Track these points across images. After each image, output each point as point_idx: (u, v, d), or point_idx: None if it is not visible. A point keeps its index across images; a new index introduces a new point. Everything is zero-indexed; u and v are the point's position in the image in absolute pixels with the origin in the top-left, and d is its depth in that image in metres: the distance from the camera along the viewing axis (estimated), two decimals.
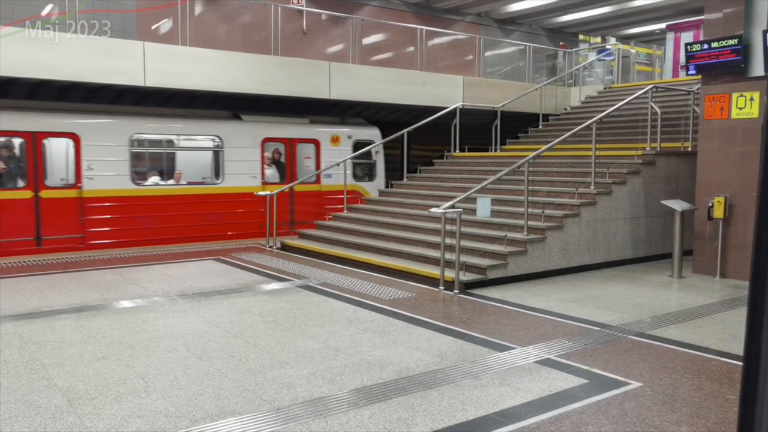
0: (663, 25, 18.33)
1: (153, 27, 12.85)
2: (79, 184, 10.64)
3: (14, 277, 8.20)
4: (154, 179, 11.69)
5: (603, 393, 4.26)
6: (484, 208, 8.10)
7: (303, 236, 11.12)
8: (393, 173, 14.06)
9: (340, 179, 12.48)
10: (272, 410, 3.94)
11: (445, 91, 13.72)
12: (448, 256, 7.65)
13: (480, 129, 13.77)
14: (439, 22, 17.62)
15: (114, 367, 4.71)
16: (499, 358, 5.00)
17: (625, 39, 20.78)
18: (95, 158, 10.71)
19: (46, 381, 4.41)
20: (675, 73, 16.47)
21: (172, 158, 12.45)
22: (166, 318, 6.16)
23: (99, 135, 10.82)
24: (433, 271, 7.87)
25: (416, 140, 12.83)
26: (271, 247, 10.91)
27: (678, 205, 8.64)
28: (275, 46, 12.19)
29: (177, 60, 10.68)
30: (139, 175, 11.52)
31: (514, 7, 18.53)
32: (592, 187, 9.02)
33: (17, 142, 10.51)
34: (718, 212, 8.37)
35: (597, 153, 9.23)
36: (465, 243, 8.09)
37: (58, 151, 11.11)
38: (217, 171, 12.15)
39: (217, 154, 12.15)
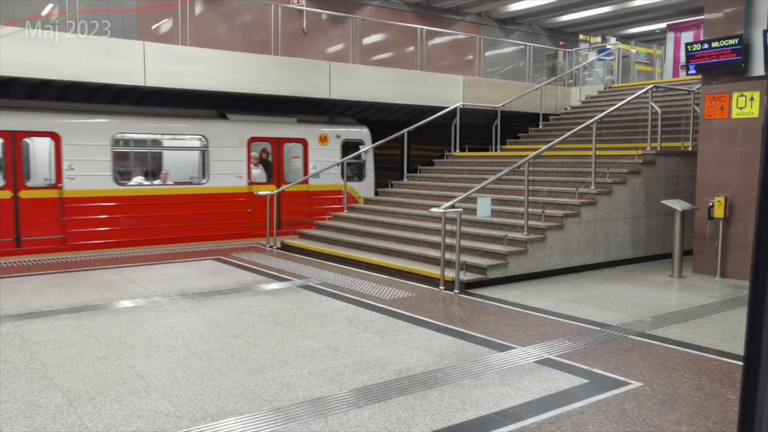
0: (663, 25, 18.33)
1: (153, 27, 12.85)
2: (59, 185, 10.47)
3: (14, 277, 8.20)
4: (137, 179, 11.55)
5: (603, 393, 4.26)
6: (484, 207, 8.10)
7: (303, 236, 11.12)
8: (393, 173, 14.05)
9: (328, 179, 12.48)
10: (272, 410, 3.94)
11: (445, 91, 13.72)
12: (449, 255, 7.65)
13: (480, 129, 13.77)
14: (440, 21, 17.62)
15: (114, 366, 4.72)
16: (500, 358, 5.00)
17: (626, 39, 20.78)
18: (76, 158, 10.54)
19: (47, 381, 4.41)
20: (675, 73, 16.47)
21: (156, 158, 12.28)
22: (166, 318, 6.16)
23: (80, 134, 10.65)
24: (434, 270, 7.87)
25: (416, 140, 12.81)
26: (271, 246, 10.91)
27: (678, 204, 8.64)
28: (275, 46, 12.18)
29: (177, 60, 10.67)
30: (122, 175, 11.37)
31: (515, 7, 18.53)
32: (592, 186, 9.02)
33: None
34: (719, 212, 8.36)
35: (597, 153, 9.23)
36: (465, 243, 8.09)
37: (38, 150, 10.98)
38: (203, 171, 11.99)
39: (202, 153, 11.97)
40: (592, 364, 4.85)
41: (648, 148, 9.66)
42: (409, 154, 12.54)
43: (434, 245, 8.54)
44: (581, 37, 19.77)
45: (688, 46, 8.70)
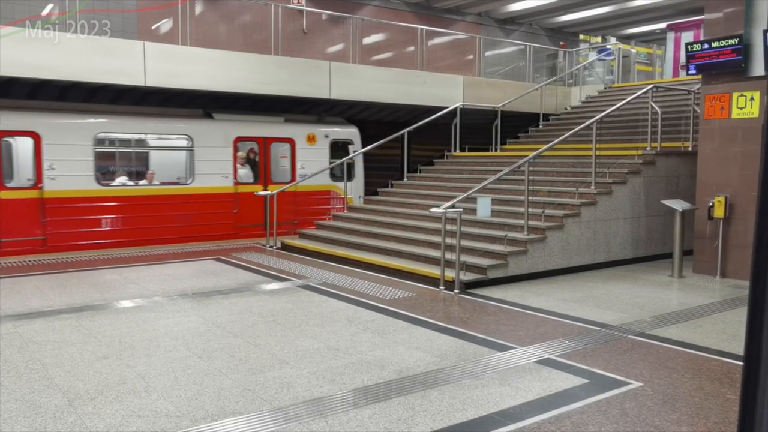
0: (663, 25, 18.33)
1: (153, 27, 12.85)
2: (40, 185, 10.25)
3: (14, 276, 8.20)
4: (121, 179, 11.36)
5: (603, 393, 4.26)
6: (484, 207, 8.10)
7: (303, 236, 11.12)
8: (393, 173, 14.05)
9: (316, 179, 12.31)
10: (272, 410, 3.94)
11: (445, 91, 13.72)
12: (449, 255, 7.65)
13: (480, 129, 13.77)
14: (440, 21, 17.62)
15: (114, 366, 4.72)
16: (500, 358, 5.00)
17: (626, 39, 20.79)
18: (57, 158, 10.33)
19: (47, 381, 4.41)
20: (675, 73, 16.47)
21: (141, 158, 12.10)
22: (166, 318, 6.16)
23: (61, 134, 10.44)
24: (434, 270, 7.87)
25: (416, 140, 12.81)
26: (271, 246, 10.91)
27: (678, 204, 8.64)
28: (275, 45, 12.18)
29: (177, 60, 10.67)
30: (105, 176, 11.19)
31: (515, 7, 18.53)
32: (592, 186, 9.02)
33: None
34: (719, 212, 8.36)
35: (597, 153, 9.23)
36: (465, 243, 8.09)
37: (18, 150, 10.79)
38: (188, 171, 11.81)
39: (187, 153, 11.78)
40: (592, 364, 4.85)
41: (648, 148, 9.66)
42: (409, 154, 12.53)
43: (434, 245, 8.54)
44: (581, 37, 19.77)
45: (688, 46, 8.70)
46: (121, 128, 11.39)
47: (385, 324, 5.98)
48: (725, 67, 8.14)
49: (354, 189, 13.28)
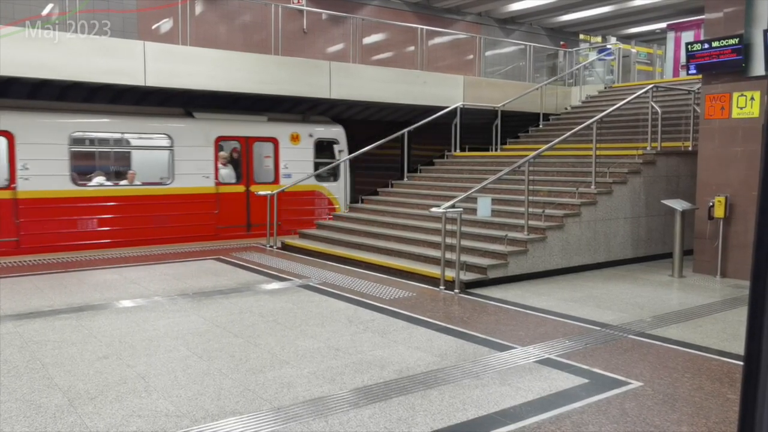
0: (663, 25, 18.33)
1: (153, 27, 12.85)
2: (13, 185, 10.03)
3: (14, 276, 8.20)
4: (98, 179, 11.12)
5: (603, 393, 4.26)
6: (484, 207, 8.10)
7: (303, 236, 11.12)
8: (393, 173, 14.04)
9: (299, 179, 12.19)
10: (273, 410, 3.94)
11: (445, 91, 13.72)
12: (449, 255, 7.65)
13: (480, 128, 13.77)
14: (440, 21, 17.62)
15: (114, 366, 4.72)
16: (500, 358, 5.00)
17: (626, 38, 20.78)
18: (31, 158, 10.12)
19: (47, 381, 4.41)
20: (675, 73, 16.48)
21: (119, 157, 11.78)
22: (166, 317, 6.16)
23: (35, 133, 10.23)
24: (434, 270, 7.87)
25: (417, 140, 12.80)
26: (271, 246, 10.91)
27: (678, 204, 8.64)
28: (276, 45, 12.18)
29: (177, 60, 10.67)
30: (81, 176, 10.93)
31: (515, 7, 18.54)
32: (592, 186, 9.02)
33: None
34: (719, 212, 8.36)
35: (597, 152, 9.23)
36: (465, 242, 8.09)
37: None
38: (168, 171, 11.57)
39: (166, 153, 11.53)
40: (592, 363, 4.85)
41: (648, 148, 9.66)
42: (409, 154, 12.52)
43: (434, 245, 8.54)
44: (581, 36, 19.78)
45: (689, 46, 8.70)
46: (98, 127, 11.20)
47: (386, 324, 5.98)
48: (725, 66, 8.14)
49: (339, 190, 13.10)
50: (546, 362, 4.88)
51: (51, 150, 10.36)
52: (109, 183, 11.18)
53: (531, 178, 8.53)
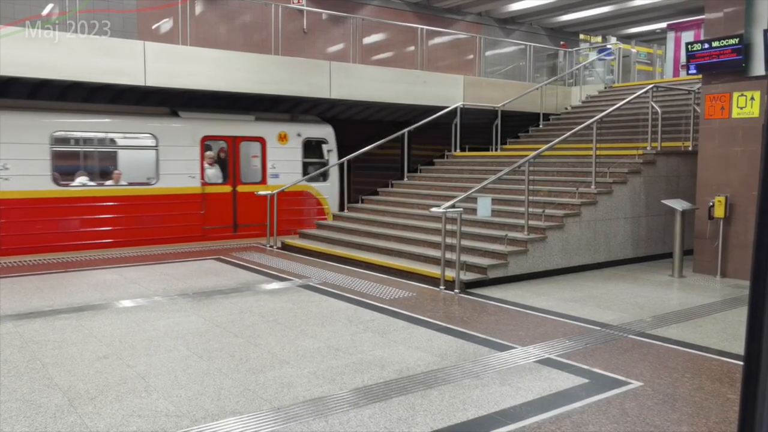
0: (664, 25, 18.33)
1: (153, 27, 12.85)
2: None
3: (15, 276, 8.20)
4: (81, 180, 10.88)
5: (603, 392, 4.26)
6: (484, 207, 8.10)
7: (303, 236, 11.12)
8: (393, 173, 14.03)
9: (288, 179, 12.14)
10: (273, 410, 3.94)
11: (445, 91, 13.72)
12: (449, 255, 7.65)
13: (480, 128, 13.77)
14: (440, 21, 17.62)
15: (114, 366, 4.72)
16: (500, 358, 5.00)
17: (626, 38, 20.79)
18: (11, 157, 9.91)
19: (47, 380, 4.41)
20: (676, 73, 16.48)
21: (103, 157, 11.53)
22: (166, 317, 6.16)
23: (15, 132, 10.00)
24: (434, 270, 7.87)
25: (417, 140, 12.80)
26: (271, 246, 10.91)
27: (679, 204, 8.64)
28: (276, 45, 12.18)
29: (177, 60, 10.67)
30: (63, 176, 10.67)
31: (515, 7, 18.54)
32: (592, 186, 9.02)
33: None
34: (719, 212, 8.36)
35: (597, 152, 9.23)
36: (465, 242, 8.09)
37: None
38: (153, 171, 11.36)
39: (151, 153, 11.32)
40: (592, 363, 4.85)
41: (648, 148, 9.66)
42: (409, 154, 12.52)
43: (434, 245, 8.54)
44: (581, 36, 19.77)
45: (689, 46, 8.70)
46: (80, 127, 10.99)
47: (386, 324, 5.98)
48: (725, 66, 8.14)
49: (328, 190, 12.96)
50: (546, 362, 4.88)
51: (32, 150, 10.15)
52: (92, 183, 10.98)
53: (531, 178, 8.53)
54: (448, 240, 7.66)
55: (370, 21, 14.94)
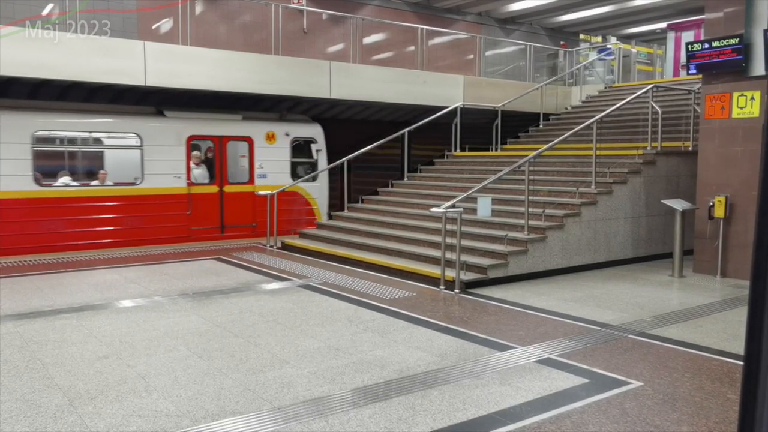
0: (664, 25, 18.33)
1: (153, 27, 12.85)
2: None
3: (15, 276, 8.20)
4: (64, 180, 10.68)
5: (604, 392, 4.26)
6: (484, 207, 8.10)
7: (303, 236, 11.13)
8: (393, 173, 14.03)
9: (276, 179, 12.07)
10: (273, 410, 3.94)
11: (445, 91, 13.72)
12: (449, 255, 7.65)
13: (480, 128, 13.77)
14: (440, 21, 17.62)
15: (115, 366, 4.72)
16: (500, 358, 5.00)
17: (626, 38, 20.78)
18: None
19: (47, 380, 4.41)
20: (676, 73, 16.47)
21: (86, 157, 11.38)
22: (166, 317, 6.16)
23: None
24: (434, 270, 7.87)
25: (417, 140, 12.80)
26: (271, 246, 10.91)
27: (679, 204, 8.64)
28: (276, 45, 12.18)
29: (178, 60, 10.66)
30: (45, 176, 10.49)
31: (515, 7, 18.53)
32: (592, 186, 9.02)
33: None
34: (719, 212, 8.36)
35: (598, 152, 9.23)
36: (466, 242, 8.09)
37: None
38: (138, 171, 11.17)
39: (136, 152, 11.13)
40: (592, 363, 4.85)
41: (648, 148, 9.66)
42: (409, 154, 12.52)
43: (435, 245, 8.54)
44: (582, 36, 19.77)
45: (689, 46, 8.70)
46: (63, 126, 10.81)
47: (386, 324, 5.98)
48: (725, 66, 8.14)
49: (317, 191, 12.82)
50: (546, 362, 4.88)
51: (13, 149, 9.98)
52: (75, 183, 10.79)
53: (531, 177, 8.53)
54: (448, 240, 7.66)
55: (370, 21, 14.94)
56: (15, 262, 9.24)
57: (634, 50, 17.84)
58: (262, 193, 11.18)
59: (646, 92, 9.96)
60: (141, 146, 11.11)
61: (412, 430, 3.66)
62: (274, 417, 3.83)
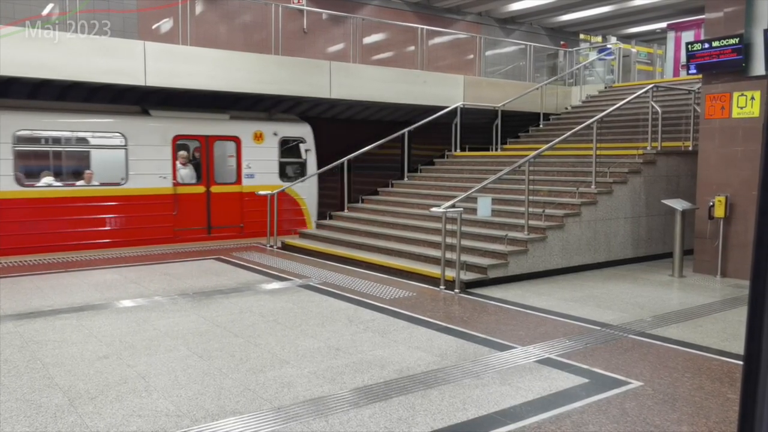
0: (664, 25, 18.32)
1: (154, 26, 12.85)
2: None
3: (15, 276, 8.21)
4: (47, 180, 10.51)
5: (604, 392, 4.26)
6: (484, 207, 8.10)
7: (303, 235, 11.13)
8: (393, 172, 14.03)
9: (263, 179, 12.00)
10: (273, 409, 3.94)
11: (445, 91, 13.71)
12: (449, 255, 7.65)
13: (481, 128, 13.77)
14: (440, 21, 17.62)
15: (115, 366, 4.72)
16: (500, 358, 5.00)
17: (626, 38, 20.78)
18: None
19: (47, 380, 4.41)
20: (676, 73, 16.47)
21: (70, 157, 11.18)
22: (166, 317, 6.16)
23: None
24: (434, 270, 7.87)
25: (417, 140, 12.79)
26: (271, 246, 10.91)
27: (679, 204, 8.64)
28: (276, 45, 12.18)
29: (178, 59, 10.66)
30: (28, 176, 10.37)
31: (515, 7, 18.53)
32: (592, 186, 9.02)
33: None
34: (719, 211, 8.36)
35: (598, 152, 9.23)
36: (466, 242, 8.09)
37: None
38: (122, 171, 11.00)
39: (120, 152, 10.96)
40: (592, 363, 4.85)
41: (648, 148, 9.66)
42: (409, 154, 12.51)
43: (435, 245, 8.54)
44: (582, 36, 19.77)
45: (689, 46, 8.70)
46: (46, 125, 10.65)
47: (386, 323, 5.98)
48: (726, 66, 8.14)
49: (306, 191, 12.68)
50: (546, 362, 4.88)
51: None
52: (58, 184, 10.62)
53: (531, 177, 8.53)
54: (449, 240, 7.66)
55: (371, 21, 14.94)
56: (15, 262, 9.24)
57: (634, 50, 17.84)
58: (262, 192, 11.16)
59: (646, 92, 9.96)
60: (125, 146, 10.94)
61: (412, 430, 3.66)
62: (274, 417, 3.83)
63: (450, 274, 7.54)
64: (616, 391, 4.27)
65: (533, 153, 8.85)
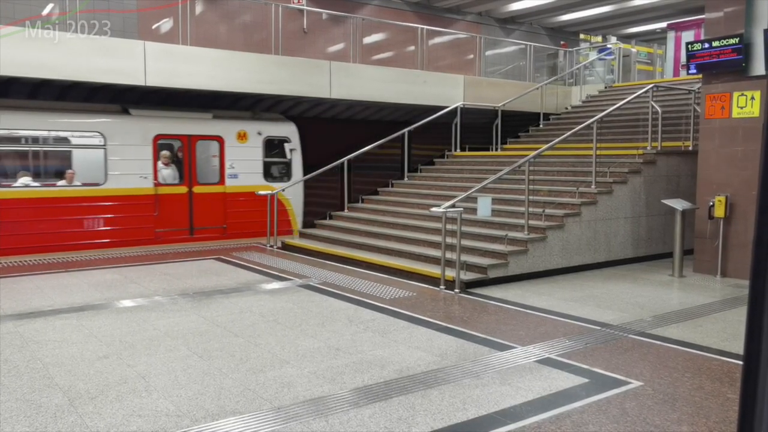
0: (664, 24, 18.32)
1: (154, 26, 12.85)
2: None
3: (15, 276, 8.21)
4: (24, 180, 10.26)
5: (604, 392, 4.26)
6: (484, 207, 8.10)
7: (304, 235, 11.13)
8: (393, 172, 14.02)
9: (247, 180, 11.90)
10: (273, 409, 3.94)
11: (445, 91, 13.71)
12: (449, 255, 7.65)
13: (481, 128, 13.77)
14: (440, 21, 17.61)
15: (115, 366, 4.72)
16: (500, 358, 5.00)
17: (626, 38, 20.78)
18: None
19: (47, 380, 4.41)
20: (676, 72, 16.47)
21: (48, 156, 10.99)
22: (166, 317, 6.16)
23: None
24: (434, 270, 7.87)
25: (417, 139, 12.79)
26: (271, 246, 10.91)
27: (679, 204, 8.64)
28: (276, 45, 12.17)
29: (178, 59, 10.66)
30: (4, 176, 10.22)
31: (515, 7, 18.53)
32: (592, 186, 9.02)
33: None
34: (719, 211, 8.36)
35: (598, 152, 9.23)
36: (466, 242, 8.09)
37: None
38: (101, 171, 10.76)
39: (99, 152, 10.71)
40: (592, 363, 4.85)
41: (648, 148, 9.66)
42: (409, 154, 12.51)
43: (435, 245, 8.55)
44: (582, 36, 19.77)
45: (689, 46, 8.70)
46: (21, 124, 10.37)
47: (386, 323, 5.98)
48: (726, 66, 8.14)
49: (291, 191, 12.50)
50: (546, 362, 4.88)
51: None
52: (36, 184, 10.36)
53: (531, 177, 8.53)
54: (449, 240, 7.66)
55: (371, 21, 14.93)
56: (15, 262, 9.24)
57: (634, 50, 17.84)
58: (262, 192, 11.15)
59: (646, 92, 9.96)
60: (104, 145, 10.69)
61: (412, 429, 3.66)
62: (274, 417, 3.83)
63: (450, 274, 7.54)
64: (616, 391, 4.27)
65: (533, 153, 8.85)
